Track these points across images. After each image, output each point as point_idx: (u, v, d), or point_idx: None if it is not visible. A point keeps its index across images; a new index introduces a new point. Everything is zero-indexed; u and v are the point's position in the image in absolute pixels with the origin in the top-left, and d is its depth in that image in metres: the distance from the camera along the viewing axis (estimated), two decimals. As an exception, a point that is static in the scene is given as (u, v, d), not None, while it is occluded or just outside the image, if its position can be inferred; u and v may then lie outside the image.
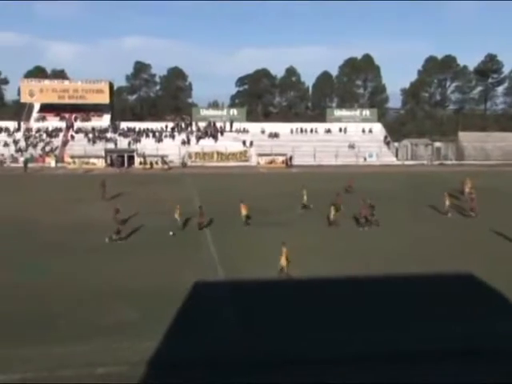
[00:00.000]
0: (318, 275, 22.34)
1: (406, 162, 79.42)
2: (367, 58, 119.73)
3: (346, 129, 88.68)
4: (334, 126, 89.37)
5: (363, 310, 18.63)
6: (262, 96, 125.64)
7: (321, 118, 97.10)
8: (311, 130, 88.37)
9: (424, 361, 14.78)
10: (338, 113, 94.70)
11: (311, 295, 20.18)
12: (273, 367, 14.44)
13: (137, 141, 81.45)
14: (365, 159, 79.69)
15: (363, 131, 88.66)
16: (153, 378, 13.77)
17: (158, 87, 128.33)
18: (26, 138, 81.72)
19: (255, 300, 19.70)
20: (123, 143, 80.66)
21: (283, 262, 22.13)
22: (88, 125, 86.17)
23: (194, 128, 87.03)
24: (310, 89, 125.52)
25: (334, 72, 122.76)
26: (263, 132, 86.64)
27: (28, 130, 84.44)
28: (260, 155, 77.41)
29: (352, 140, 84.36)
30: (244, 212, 32.91)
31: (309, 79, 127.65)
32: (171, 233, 29.43)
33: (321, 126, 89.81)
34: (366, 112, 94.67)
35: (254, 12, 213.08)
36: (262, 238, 29.16)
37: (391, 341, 16.11)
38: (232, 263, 24.03)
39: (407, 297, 20.02)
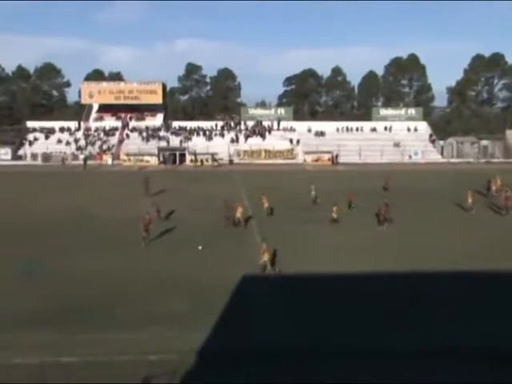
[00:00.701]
0: (365, 271, 22.10)
1: (452, 160, 77.48)
2: (413, 58, 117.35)
3: (391, 127, 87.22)
4: (380, 125, 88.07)
5: (426, 305, 18.34)
6: (309, 95, 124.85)
7: (366, 116, 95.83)
8: (357, 129, 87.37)
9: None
10: (383, 112, 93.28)
11: (356, 290, 19.97)
12: (320, 358, 14.36)
13: (188, 139, 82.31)
14: (410, 157, 78.21)
15: (408, 130, 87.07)
16: (202, 366, 13.90)
17: (208, 87, 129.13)
18: (86, 137, 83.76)
19: (301, 294, 19.62)
20: (175, 141, 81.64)
21: (265, 257, 22.10)
22: (142, 124, 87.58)
23: (242, 127, 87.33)
24: (356, 88, 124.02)
25: (380, 71, 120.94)
26: (309, 130, 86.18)
27: (87, 129, 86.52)
28: (306, 153, 77.03)
29: (397, 138, 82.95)
30: (266, 204, 33.92)
31: (354, 79, 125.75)
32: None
33: (366, 125, 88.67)
34: (412, 111, 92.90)
35: (300, 13, 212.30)
36: (306, 233, 29.05)
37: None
38: (279, 258, 23.99)
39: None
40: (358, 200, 36.47)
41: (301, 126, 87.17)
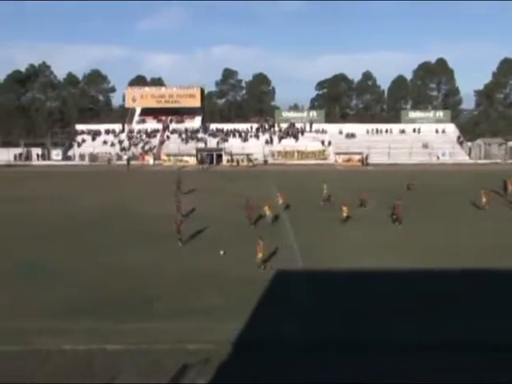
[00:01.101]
0: (392, 267, 21.87)
1: (479, 161, 75.87)
2: (441, 62, 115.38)
3: (419, 129, 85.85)
4: (408, 127, 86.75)
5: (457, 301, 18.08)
6: (340, 99, 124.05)
7: (395, 119, 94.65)
8: (386, 131, 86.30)
9: None
10: (412, 114, 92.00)
11: (388, 285, 19.77)
12: (352, 351, 14.28)
13: (225, 140, 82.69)
14: (438, 158, 76.94)
15: (437, 131, 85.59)
16: (237, 356, 13.99)
17: (244, 91, 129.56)
18: (129, 139, 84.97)
19: (333, 289, 19.54)
20: (212, 143, 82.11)
21: (260, 254, 21.66)
22: (182, 126, 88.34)
23: (276, 129, 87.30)
24: (386, 92, 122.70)
25: (408, 76, 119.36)
26: (341, 132, 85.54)
27: (130, 131, 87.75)
28: (337, 154, 76.54)
29: (425, 140, 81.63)
30: (281, 201, 34.93)
31: (384, 83, 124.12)
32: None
33: (395, 127, 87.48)
34: (440, 113, 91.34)
35: (332, 19, 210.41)
36: (337, 230, 28.93)
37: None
38: (310, 254, 23.96)
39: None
40: (378, 199, 36.22)
41: (332, 128, 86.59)
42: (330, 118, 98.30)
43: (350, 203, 32.06)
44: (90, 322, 15.91)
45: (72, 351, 13.98)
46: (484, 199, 35.40)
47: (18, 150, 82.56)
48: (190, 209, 34.14)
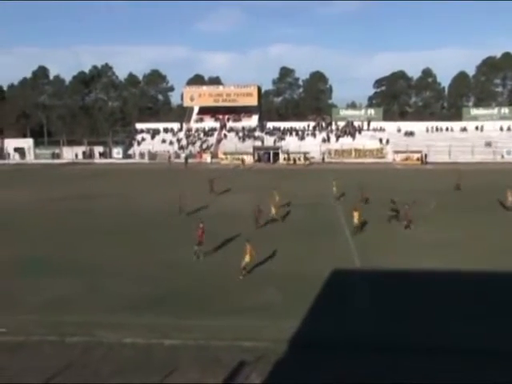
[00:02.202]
0: (454, 268, 21.21)
1: (547, 160, 72.63)
2: (507, 57, 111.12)
3: (482, 127, 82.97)
4: (470, 125, 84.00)
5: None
6: (398, 96, 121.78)
7: (456, 117, 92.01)
8: (446, 129, 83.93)
9: None
10: (474, 111, 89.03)
11: (445, 287, 19.19)
12: (408, 352, 13.93)
13: (281, 139, 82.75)
14: (502, 157, 74.14)
15: (501, 129, 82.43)
16: (293, 354, 13.90)
17: (300, 90, 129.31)
18: (187, 137, 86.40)
19: (391, 289, 19.12)
20: (269, 141, 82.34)
21: (247, 258, 20.14)
22: (239, 125, 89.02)
23: (333, 127, 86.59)
24: (446, 89, 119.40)
25: (471, 72, 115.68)
26: (399, 130, 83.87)
27: (188, 130, 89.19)
28: (396, 152, 75.13)
29: (489, 138, 78.80)
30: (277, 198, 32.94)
31: (445, 80, 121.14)
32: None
33: (456, 125, 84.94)
34: (505, 110, 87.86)
35: (390, 16, 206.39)
36: (394, 230, 28.33)
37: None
38: (368, 253, 23.55)
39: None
40: (437, 198, 35.27)
41: (390, 126, 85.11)
42: (388, 116, 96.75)
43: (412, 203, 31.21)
44: (150, 317, 16.20)
45: (132, 344, 14.28)
46: (510, 198, 33.25)
47: (81, 149, 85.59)
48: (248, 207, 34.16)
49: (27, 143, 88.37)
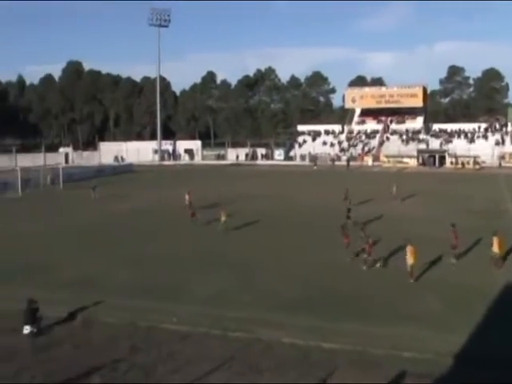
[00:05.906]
0: None
1: None
2: None
3: None
4: None
5: None
6: None
7: None
8: None
9: None
10: None
11: None
12: None
13: (448, 141, 78.85)
14: None
15: None
16: (460, 371, 13.15)
17: (471, 89, 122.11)
18: (348, 140, 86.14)
19: None
20: (435, 144, 78.96)
21: (411, 260, 19.64)
22: (402, 127, 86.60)
23: (509, 129, 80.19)
24: None
25: None
26: None
27: (350, 132, 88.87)
28: None
29: None
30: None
31: None
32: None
33: None
34: None
35: None
36: None
37: None
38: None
39: None
40: None
41: None
42: None
43: None
44: (307, 318, 16.42)
45: (290, 344, 14.60)
46: None
47: (244, 150, 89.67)
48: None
49: (196, 145, 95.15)
